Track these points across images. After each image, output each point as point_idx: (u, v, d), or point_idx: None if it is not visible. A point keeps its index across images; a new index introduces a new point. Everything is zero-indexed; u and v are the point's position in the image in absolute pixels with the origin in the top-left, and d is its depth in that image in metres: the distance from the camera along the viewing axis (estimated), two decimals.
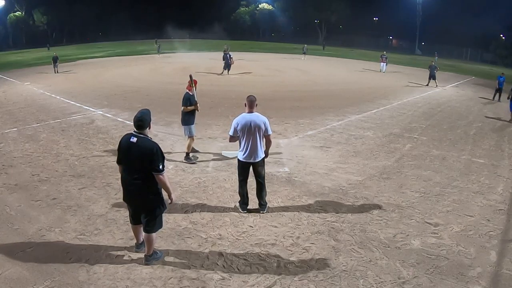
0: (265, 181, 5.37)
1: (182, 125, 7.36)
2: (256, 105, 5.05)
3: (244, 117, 4.99)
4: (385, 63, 25.46)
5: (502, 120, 12.46)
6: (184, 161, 7.29)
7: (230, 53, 21.18)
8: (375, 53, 47.08)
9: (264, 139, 5.12)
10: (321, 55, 40.12)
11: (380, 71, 25.35)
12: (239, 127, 4.97)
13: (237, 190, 5.38)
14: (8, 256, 4.11)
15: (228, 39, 47.01)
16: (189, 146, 7.35)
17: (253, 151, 5.02)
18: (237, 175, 5.37)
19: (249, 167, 5.16)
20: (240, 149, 5.10)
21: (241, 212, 5.30)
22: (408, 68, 31.25)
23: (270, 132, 5.11)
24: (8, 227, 4.76)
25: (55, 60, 21.65)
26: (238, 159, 5.17)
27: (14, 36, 59.21)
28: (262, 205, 5.36)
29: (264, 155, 5.19)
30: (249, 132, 4.95)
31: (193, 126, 7.33)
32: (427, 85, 19.91)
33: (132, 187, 3.84)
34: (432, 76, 19.76)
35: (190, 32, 59.96)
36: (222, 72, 20.94)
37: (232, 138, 5.09)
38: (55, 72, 21.21)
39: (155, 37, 45.35)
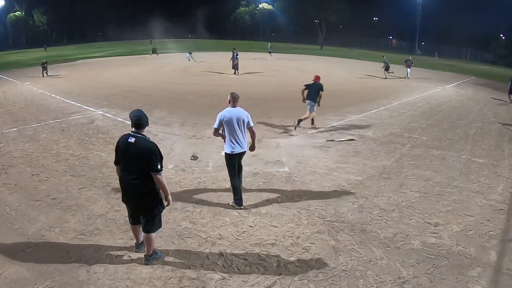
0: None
1: (311, 100, 9.62)
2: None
3: (229, 111, 5.30)
4: (409, 68, 23.00)
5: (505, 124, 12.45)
6: (296, 124, 9.58)
7: (237, 53, 21.38)
8: (375, 53, 47.06)
9: (247, 131, 5.43)
10: (321, 55, 40.14)
11: (405, 77, 22.75)
12: (225, 120, 5.25)
13: (231, 185, 5.49)
14: (8, 256, 4.11)
15: (228, 39, 46.93)
16: (309, 117, 9.82)
17: (240, 143, 5.35)
18: (227, 171, 5.54)
19: (238, 158, 5.45)
20: (227, 143, 5.35)
21: (237, 209, 5.39)
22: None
23: (252, 124, 5.43)
24: (8, 227, 4.75)
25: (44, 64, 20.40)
26: (227, 153, 5.39)
27: (14, 36, 59.19)
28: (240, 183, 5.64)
29: (246, 146, 5.46)
30: (234, 124, 5.27)
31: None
32: (403, 78, 22.33)
33: (130, 187, 3.83)
34: (387, 69, 22.76)
35: (190, 32, 60.00)
36: (235, 72, 21.06)
37: (216, 131, 5.38)
38: (43, 76, 19.81)
39: (153, 37, 45.33)
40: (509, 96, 16.66)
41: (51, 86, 16.62)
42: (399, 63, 34.71)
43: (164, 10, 63.75)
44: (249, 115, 5.41)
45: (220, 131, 5.39)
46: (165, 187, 3.82)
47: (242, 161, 5.65)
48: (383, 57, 24.98)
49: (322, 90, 9.65)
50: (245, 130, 5.40)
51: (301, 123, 9.71)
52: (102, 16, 61.62)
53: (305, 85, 9.79)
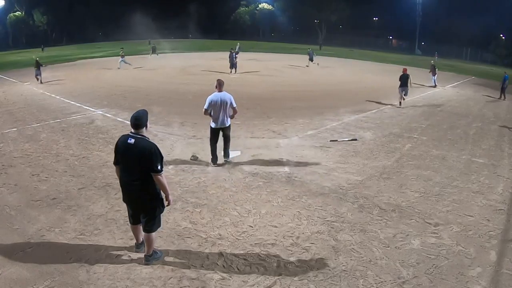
0: (234, 138, 7.33)
1: (404, 86, 13.70)
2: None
3: (216, 95, 6.62)
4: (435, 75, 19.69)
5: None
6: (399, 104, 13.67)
7: (235, 52, 21.64)
8: (375, 53, 47.04)
9: (231, 111, 6.75)
10: (321, 55, 40.11)
11: (435, 86, 19.72)
12: (213, 102, 6.56)
13: (210, 150, 7.00)
14: (8, 256, 4.11)
15: (228, 39, 46.94)
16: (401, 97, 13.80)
17: (223, 120, 6.73)
18: (209, 139, 7.00)
19: (219, 132, 6.86)
20: (213, 120, 6.74)
21: (212, 166, 6.94)
22: (408, 68, 31.21)
23: (235, 105, 6.73)
24: (8, 227, 4.75)
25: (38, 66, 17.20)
26: (212, 127, 6.83)
27: (14, 36, 59.18)
28: (227, 155, 7.11)
29: (229, 123, 6.86)
30: (220, 105, 6.59)
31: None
32: (307, 65, 26.06)
33: (130, 188, 3.83)
34: (311, 59, 26.69)
35: (190, 32, 60.01)
36: (231, 72, 21.13)
37: (206, 111, 6.64)
38: (39, 82, 17.02)
39: (153, 37, 45.34)
40: (502, 93, 16.85)
41: (51, 86, 16.61)
42: (399, 63, 34.72)
43: (164, 10, 63.80)
44: (232, 98, 6.69)
45: (209, 112, 6.67)
46: (165, 188, 3.82)
47: (226, 136, 6.97)
48: (309, 49, 28.63)
49: (410, 78, 14.00)
50: (229, 110, 6.70)
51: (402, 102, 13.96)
52: (102, 16, 61.62)
53: (400, 76, 14.03)
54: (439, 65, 24.95)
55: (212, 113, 6.67)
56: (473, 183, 6.77)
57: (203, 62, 28.45)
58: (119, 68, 22.88)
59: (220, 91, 6.62)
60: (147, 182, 3.76)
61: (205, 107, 6.61)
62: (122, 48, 24.90)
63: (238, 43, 31.95)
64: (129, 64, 23.63)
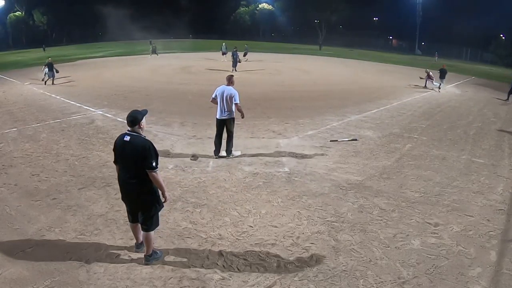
0: (234, 138, 7.52)
1: (442, 78, 18.21)
2: (233, 82, 7.17)
3: (222, 87, 7.13)
4: (432, 80, 19.07)
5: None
6: (439, 90, 17.28)
7: (238, 52, 22.73)
8: (375, 53, 47.04)
9: (234, 105, 7.10)
10: (320, 55, 40.13)
11: (439, 89, 18.63)
12: (217, 93, 7.12)
13: (214, 141, 7.43)
14: (8, 256, 4.11)
15: (228, 39, 46.95)
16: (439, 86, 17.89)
17: (225, 111, 7.13)
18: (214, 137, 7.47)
19: (223, 123, 7.22)
20: (218, 110, 7.21)
21: (214, 157, 7.34)
22: (408, 68, 31.25)
23: (237, 101, 7.09)
24: (8, 227, 4.75)
25: (50, 67, 16.54)
26: (216, 118, 7.29)
27: (14, 36, 59.14)
28: (228, 152, 7.43)
29: (233, 116, 7.22)
30: (223, 98, 7.05)
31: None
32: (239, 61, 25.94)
33: (128, 186, 3.85)
34: (244, 54, 28.28)
35: (190, 32, 60.03)
36: (233, 70, 21.81)
37: (214, 100, 7.21)
38: (51, 82, 16.65)
39: (153, 37, 45.37)
40: (510, 95, 16.77)
41: (51, 86, 16.60)
42: (399, 63, 34.72)
43: (164, 10, 63.77)
44: (237, 94, 7.07)
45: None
46: (161, 185, 3.82)
47: (230, 131, 7.29)
48: (246, 45, 31.06)
49: (446, 72, 18.61)
50: (232, 104, 7.05)
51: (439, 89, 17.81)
52: (102, 16, 61.58)
53: (440, 70, 18.58)
54: (439, 65, 24.87)
55: (217, 104, 7.24)
56: (473, 183, 6.76)
57: (203, 62, 28.46)
58: (43, 79, 17.09)
59: (227, 85, 7.13)
60: (145, 180, 3.76)
61: (212, 96, 7.27)
62: (50, 57, 18.77)
63: (224, 43, 32.01)
64: (48, 77, 17.00)
